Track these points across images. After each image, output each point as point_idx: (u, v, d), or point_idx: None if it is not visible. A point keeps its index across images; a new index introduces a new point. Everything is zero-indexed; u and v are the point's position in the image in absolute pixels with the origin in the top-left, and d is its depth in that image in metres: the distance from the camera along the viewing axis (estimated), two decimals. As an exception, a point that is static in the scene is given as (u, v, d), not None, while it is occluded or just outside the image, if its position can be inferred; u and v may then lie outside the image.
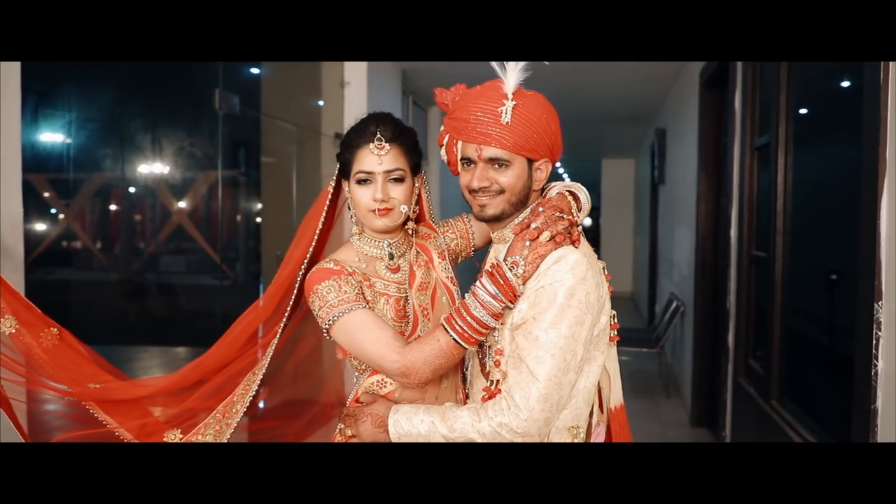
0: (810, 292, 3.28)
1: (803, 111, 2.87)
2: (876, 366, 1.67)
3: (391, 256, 1.41)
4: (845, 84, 3.48)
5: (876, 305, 1.66)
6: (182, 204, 4.86)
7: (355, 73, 4.77)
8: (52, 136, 3.47)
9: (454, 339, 1.19)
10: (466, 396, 1.41)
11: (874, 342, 1.67)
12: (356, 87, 4.79)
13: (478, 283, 1.20)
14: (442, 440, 1.21)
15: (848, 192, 2.73)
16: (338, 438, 1.41)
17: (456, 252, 1.52)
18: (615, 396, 1.39)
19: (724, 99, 3.90)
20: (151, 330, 4.58)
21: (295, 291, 1.43)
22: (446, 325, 1.21)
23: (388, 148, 1.33)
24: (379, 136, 1.33)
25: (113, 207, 4.89)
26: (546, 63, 1.25)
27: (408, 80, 5.88)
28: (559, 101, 1.35)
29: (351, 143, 1.36)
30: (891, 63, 1.61)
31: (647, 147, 8.20)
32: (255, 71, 4.70)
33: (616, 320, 1.32)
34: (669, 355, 5.74)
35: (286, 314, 1.44)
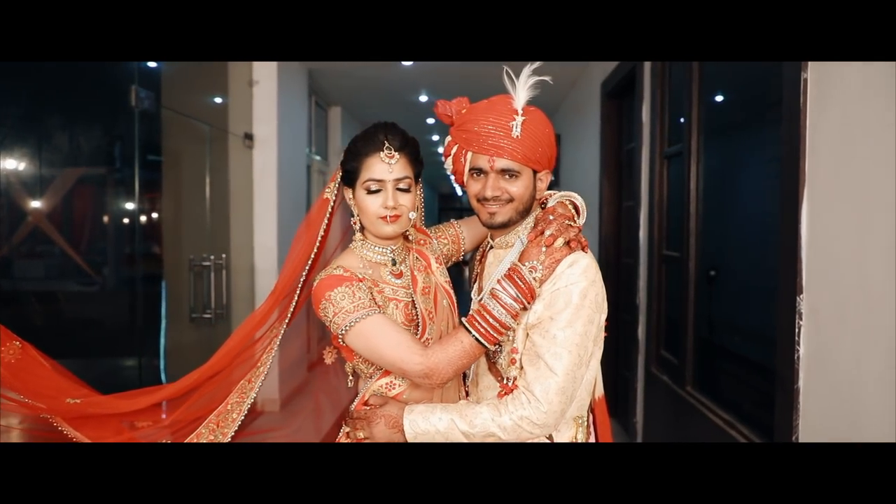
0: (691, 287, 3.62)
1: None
2: (798, 350, 1.92)
3: (394, 262, 1.45)
4: (719, 98, 3.85)
5: (798, 298, 1.91)
6: (36, 203, 4.51)
7: (265, 72, 4.67)
8: None
9: (477, 340, 1.26)
10: (467, 394, 1.48)
11: (797, 330, 1.91)
12: (266, 87, 4.69)
13: (497, 286, 1.28)
14: (461, 436, 1.28)
15: (722, 197, 3.07)
16: (343, 441, 1.43)
17: (447, 256, 1.58)
18: (598, 388, 1.52)
19: (628, 108, 4.20)
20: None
21: (296, 298, 1.44)
22: (468, 326, 1.27)
23: (398, 157, 1.37)
24: (388, 145, 1.37)
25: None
26: (549, 80, 1.34)
27: (312, 80, 5.82)
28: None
29: (359, 151, 1.38)
30: (809, 80, 1.85)
31: (538, 151, 8.55)
32: (152, 65, 4.46)
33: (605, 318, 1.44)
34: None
35: (286, 321, 1.45)
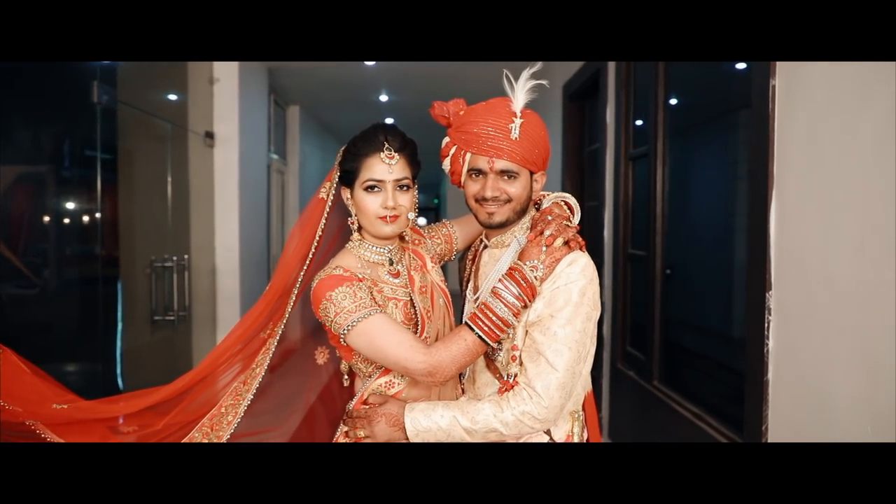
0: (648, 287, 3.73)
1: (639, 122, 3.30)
2: (767, 344, 2.01)
3: (391, 262, 1.46)
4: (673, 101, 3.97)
5: (767, 294, 1.99)
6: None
7: (225, 69, 4.59)
8: None
9: (480, 337, 1.29)
10: (463, 391, 1.50)
11: (766, 325, 2.00)
12: (226, 85, 4.61)
13: (499, 284, 1.31)
14: (463, 433, 1.30)
15: (686, 197, 3.18)
16: (342, 440, 1.43)
17: (440, 256, 1.60)
18: (587, 384, 1.56)
19: (590, 110, 4.29)
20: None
21: (293, 298, 1.43)
22: (472, 325, 1.30)
23: (398, 157, 1.38)
24: (388, 145, 1.38)
25: None
26: (546, 84, 1.37)
27: (272, 79, 5.75)
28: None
29: (358, 151, 1.39)
30: (777, 87, 1.94)
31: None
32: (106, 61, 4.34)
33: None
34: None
35: (283, 321, 1.44)
